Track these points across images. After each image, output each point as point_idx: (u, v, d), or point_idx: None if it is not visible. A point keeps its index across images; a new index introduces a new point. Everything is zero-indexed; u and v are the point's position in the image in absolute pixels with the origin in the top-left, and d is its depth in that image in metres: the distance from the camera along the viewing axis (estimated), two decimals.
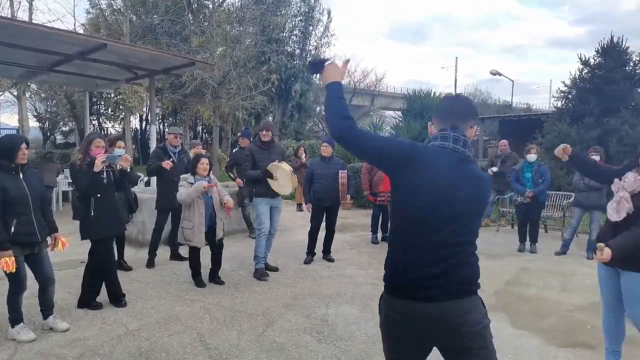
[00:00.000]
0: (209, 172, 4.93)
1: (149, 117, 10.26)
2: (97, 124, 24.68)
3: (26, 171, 3.52)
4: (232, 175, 7.68)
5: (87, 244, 4.22)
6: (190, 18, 19.06)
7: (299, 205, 10.29)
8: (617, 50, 10.10)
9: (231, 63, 16.03)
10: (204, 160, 4.88)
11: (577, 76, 10.67)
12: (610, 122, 9.39)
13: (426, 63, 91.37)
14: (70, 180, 6.61)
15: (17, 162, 3.42)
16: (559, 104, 11.30)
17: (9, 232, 3.33)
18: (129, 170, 4.46)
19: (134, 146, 25.90)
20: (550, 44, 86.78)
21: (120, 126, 24.22)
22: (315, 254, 6.10)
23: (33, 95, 22.73)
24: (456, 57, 60.54)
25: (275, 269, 5.52)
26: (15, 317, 3.55)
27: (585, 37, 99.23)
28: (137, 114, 26.20)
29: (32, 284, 3.67)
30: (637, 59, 10.08)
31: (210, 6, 19.16)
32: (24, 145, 3.46)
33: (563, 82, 11.34)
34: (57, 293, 3.97)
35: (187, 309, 4.22)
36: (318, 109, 27.50)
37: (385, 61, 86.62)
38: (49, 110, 26.09)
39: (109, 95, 17.47)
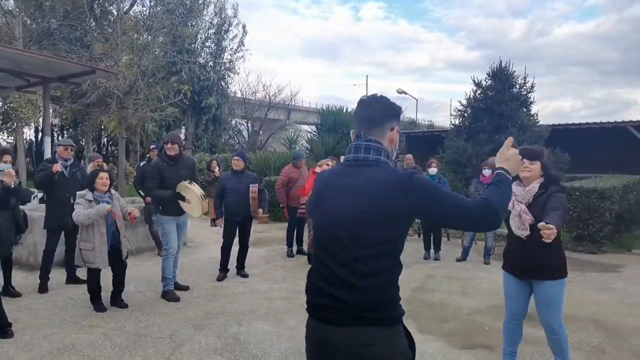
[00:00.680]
0: (110, 188, 4.61)
1: (44, 128, 9.38)
2: None
3: None
4: (141, 193, 7.07)
5: None
6: (93, 24, 17.92)
7: (213, 221, 9.99)
8: (505, 73, 11.22)
9: (138, 72, 15.28)
10: (103, 175, 4.54)
11: (471, 96, 11.66)
12: (501, 139, 10.33)
13: (340, 80, 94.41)
14: None
15: None
16: (457, 122, 12.24)
17: None
18: (12, 186, 4.03)
19: (27, 159, 23.58)
20: (450, 66, 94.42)
21: (12, 138, 21.97)
22: (228, 270, 5.95)
23: None
24: (367, 76, 63.44)
25: (186, 288, 5.28)
26: None
27: (481, 61, 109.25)
28: (32, 124, 23.95)
29: None
30: (522, 82, 11.28)
31: (115, 12, 18.18)
32: None
33: (460, 102, 12.33)
34: None
35: (84, 337, 3.88)
36: (233, 122, 27.13)
37: (301, 77, 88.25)
38: None
39: None
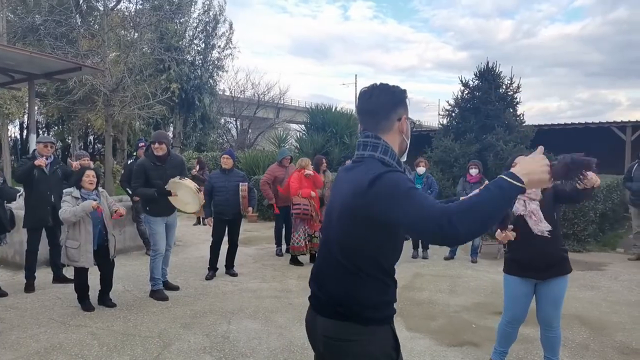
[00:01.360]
0: (97, 186, 4.57)
1: (29, 126, 9.25)
2: None
3: None
4: (129, 191, 7.01)
5: None
6: (79, 20, 17.69)
7: (198, 219, 9.94)
8: (492, 74, 11.31)
9: (125, 69, 15.13)
10: (90, 173, 4.50)
11: (459, 96, 11.74)
12: (488, 138, 10.45)
13: (329, 79, 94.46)
14: None
15: None
16: (444, 121, 12.33)
17: None
18: None
19: (12, 157, 23.20)
20: (438, 66, 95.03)
21: None
22: (217, 269, 5.93)
23: None
24: (355, 75, 63.55)
25: (176, 288, 5.25)
26: None
27: (469, 61, 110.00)
28: (17, 121, 23.58)
29: None
30: (508, 82, 11.39)
31: (101, 8, 17.97)
32: None
33: (447, 102, 12.41)
34: None
35: (72, 336, 3.85)
36: (222, 120, 27.00)
37: (290, 75, 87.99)
38: None
39: None
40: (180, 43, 21.30)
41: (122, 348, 3.65)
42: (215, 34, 23.08)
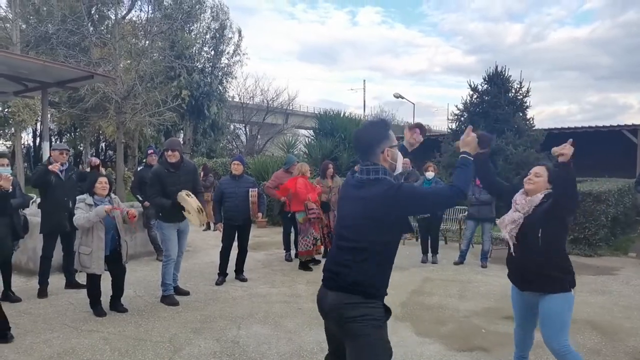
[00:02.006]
0: (109, 192, 4.64)
1: (42, 133, 9.42)
2: None
3: None
4: (140, 197, 7.05)
5: None
6: (91, 29, 17.98)
7: (207, 225, 10.00)
8: (501, 78, 11.31)
9: (136, 77, 15.33)
10: (102, 180, 4.58)
11: (468, 101, 11.74)
12: (497, 142, 10.43)
13: (337, 84, 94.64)
14: None
15: None
16: (454, 126, 12.32)
17: None
18: (10, 190, 4.05)
19: (25, 164, 23.57)
20: (447, 70, 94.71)
21: (10, 143, 21.96)
22: (227, 274, 5.97)
23: None
24: (364, 80, 63.68)
25: (187, 293, 5.29)
26: None
27: (477, 65, 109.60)
28: (30, 129, 23.96)
29: None
30: (517, 86, 11.36)
31: (113, 17, 18.26)
32: None
33: (456, 106, 12.40)
34: None
35: (84, 341, 3.90)
36: (231, 126, 27.19)
37: (298, 81, 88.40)
38: None
39: None
40: (190, 51, 21.54)
41: (134, 353, 3.69)
42: (224, 41, 23.28)
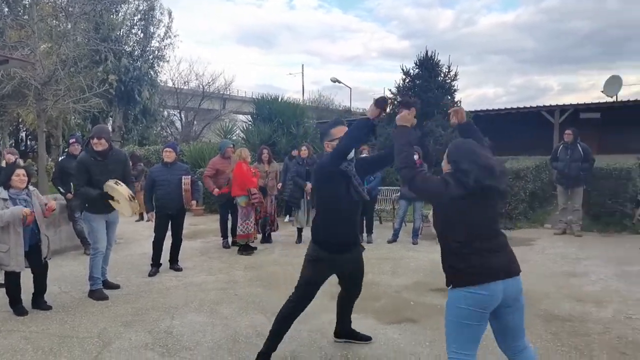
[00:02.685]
0: (28, 185, 4.35)
1: None
2: None
3: None
4: (61, 190, 6.66)
5: None
6: (6, 9, 16.50)
7: (141, 215, 9.67)
8: (431, 62, 11.74)
9: (58, 61, 14.31)
10: (20, 172, 4.27)
11: (401, 85, 12.08)
12: (428, 125, 10.86)
13: (276, 68, 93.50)
14: None
15: None
16: (388, 109, 12.64)
17: None
18: None
19: None
20: (383, 55, 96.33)
21: None
22: (161, 264, 5.83)
23: None
24: (302, 64, 63.15)
25: (117, 286, 5.11)
26: None
27: (412, 50, 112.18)
28: None
29: None
30: (446, 70, 11.84)
31: None
32: None
33: (390, 90, 12.72)
34: None
35: (2, 342, 3.67)
36: (165, 112, 26.19)
37: (236, 65, 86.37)
38: None
39: None
40: (117, 33, 20.38)
41: (59, 350, 3.53)
42: (153, 23, 22.21)
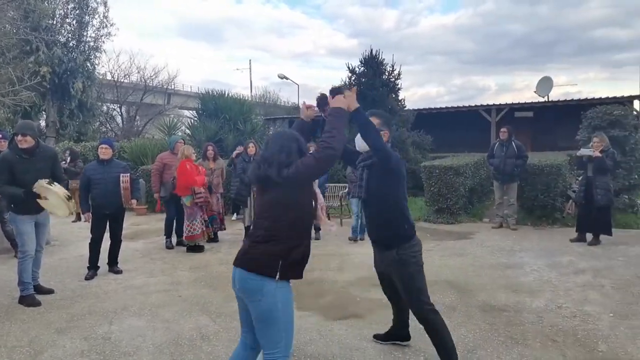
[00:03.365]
0: None
1: None
2: None
3: None
4: None
5: None
6: None
7: (78, 215, 9.18)
8: (376, 61, 11.95)
9: None
10: None
11: (347, 83, 12.21)
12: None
13: (223, 64, 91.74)
14: None
15: None
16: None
17: None
18: None
19: None
20: (331, 52, 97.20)
21: None
22: (99, 267, 5.56)
23: None
24: (249, 60, 62.54)
25: (50, 291, 4.82)
26: None
27: (359, 48, 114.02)
28: None
29: None
30: (390, 69, 12.10)
31: None
32: None
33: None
34: None
35: None
36: (104, 107, 24.94)
37: (181, 59, 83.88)
38: None
39: None
40: (49, 22, 19.13)
41: None
42: (88, 12, 20.92)
